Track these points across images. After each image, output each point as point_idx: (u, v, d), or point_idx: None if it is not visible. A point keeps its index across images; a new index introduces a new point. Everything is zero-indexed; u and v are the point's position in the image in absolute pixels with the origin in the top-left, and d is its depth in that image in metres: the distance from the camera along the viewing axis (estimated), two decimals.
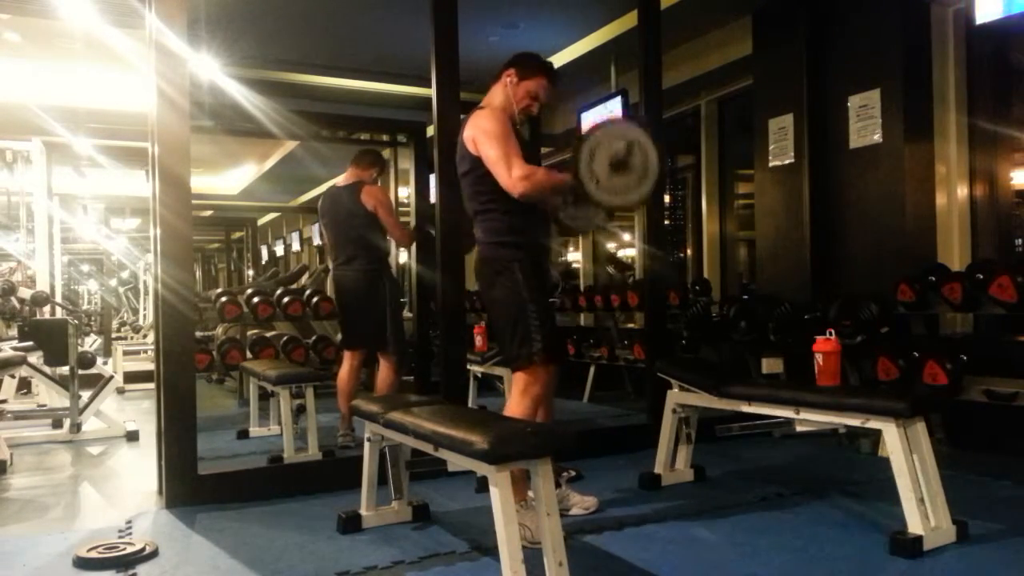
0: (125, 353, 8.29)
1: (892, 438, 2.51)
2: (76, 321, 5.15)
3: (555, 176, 2.70)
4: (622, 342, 5.80)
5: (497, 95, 2.89)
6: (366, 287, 4.21)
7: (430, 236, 4.39)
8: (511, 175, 2.62)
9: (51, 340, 4.74)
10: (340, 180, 4.44)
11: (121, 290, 14.68)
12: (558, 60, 5.91)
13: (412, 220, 5.62)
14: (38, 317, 5.78)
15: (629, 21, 4.97)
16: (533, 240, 2.81)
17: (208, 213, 12.01)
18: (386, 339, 4.21)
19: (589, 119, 5.79)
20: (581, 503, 2.96)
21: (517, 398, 2.75)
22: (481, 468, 2.07)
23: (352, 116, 6.39)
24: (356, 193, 4.22)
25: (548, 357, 2.75)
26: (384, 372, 4.25)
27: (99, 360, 5.71)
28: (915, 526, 2.45)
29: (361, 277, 4.23)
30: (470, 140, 2.76)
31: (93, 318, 12.79)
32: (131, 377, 7.62)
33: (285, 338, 5.83)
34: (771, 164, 4.99)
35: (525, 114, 2.91)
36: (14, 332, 5.92)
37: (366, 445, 2.79)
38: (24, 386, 6.44)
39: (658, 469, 3.35)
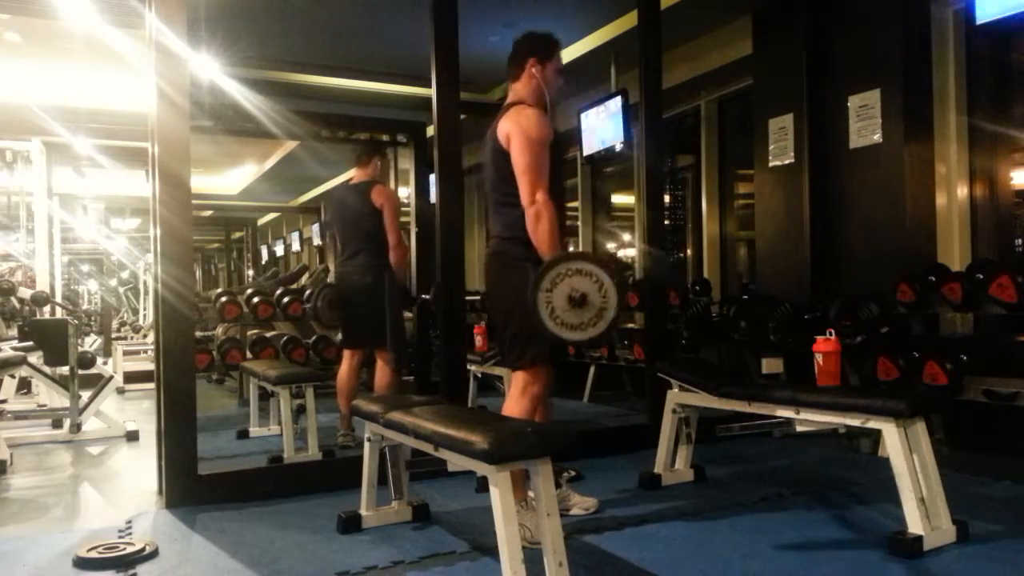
0: (125, 353, 8.28)
1: (892, 438, 2.51)
2: (76, 321, 5.15)
3: (555, 235, 2.62)
4: (622, 342, 5.80)
5: (526, 90, 2.84)
6: (368, 283, 4.20)
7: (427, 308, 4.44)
8: (535, 194, 2.61)
9: (51, 340, 4.74)
10: (351, 179, 4.44)
11: (121, 290, 14.66)
12: None
13: (412, 220, 5.63)
14: (38, 317, 5.79)
15: (629, 21, 4.97)
16: None
17: (208, 213, 12.01)
18: (384, 337, 4.20)
19: (589, 119, 5.79)
20: (581, 503, 2.96)
21: (516, 398, 2.74)
22: (481, 468, 2.07)
23: (352, 116, 6.39)
24: (367, 191, 4.23)
25: (550, 359, 2.74)
26: (382, 371, 4.24)
27: (99, 360, 5.71)
28: (915, 526, 2.45)
29: (364, 272, 4.21)
30: (504, 135, 2.71)
31: (93, 318, 12.79)
32: (131, 377, 7.62)
33: (285, 338, 5.84)
34: (771, 164, 4.99)
35: (560, 91, 2.90)
36: (14, 332, 5.93)
37: (366, 445, 2.79)
38: (24, 386, 6.44)
39: (658, 469, 3.35)
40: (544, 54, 2.85)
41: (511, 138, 2.68)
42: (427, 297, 4.45)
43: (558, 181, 2.84)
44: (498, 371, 4.84)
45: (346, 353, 4.38)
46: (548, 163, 2.68)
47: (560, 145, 2.90)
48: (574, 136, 5.89)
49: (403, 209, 6.45)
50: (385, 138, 5.94)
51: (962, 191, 4.34)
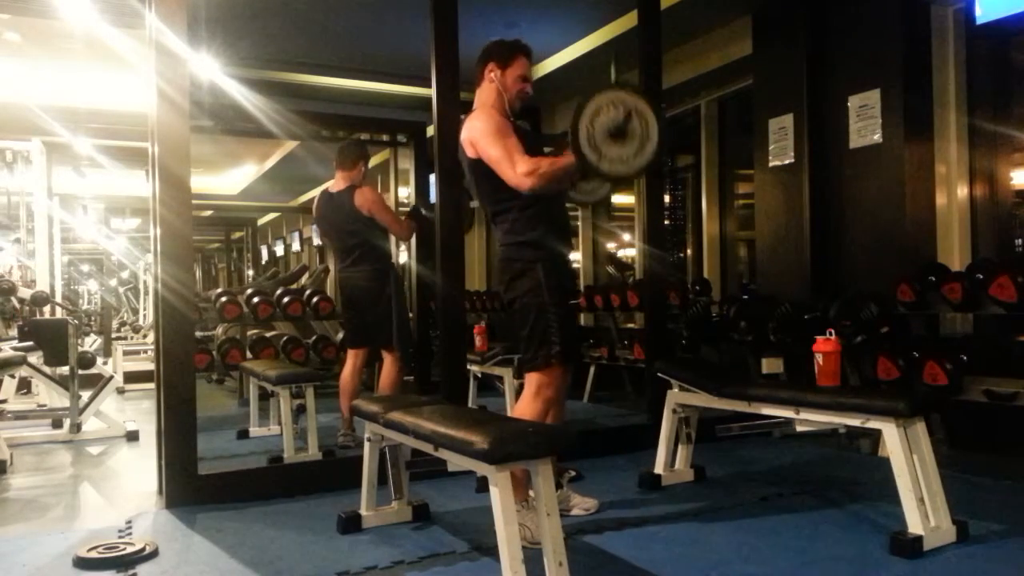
0: (125, 353, 8.28)
1: (892, 438, 2.51)
2: (76, 321, 5.15)
3: (559, 162, 2.57)
4: (622, 342, 5.80)
5: (486, 93, 2.85)
6: (374, 286, 4.23)
7: (425, 218, 4.43)
8: (516, 172, 2.57)
9: (51, 340, 4.73)
10: (332, 186, 4.43)
11: (121, 290, 14.66)
12: (558, 60, 5.92)
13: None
14: (38, 317, 5.78)
15: (629, 21, 4.97)
16: (553, 239, 2.77)
17: (208, 213, 12.01)
18: (391, 336, 4.22)
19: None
20: (582, 504, 2.96)
21: (529, 400, 2.72)
22: (481, 468, 2.07)
23: (352, 116, 6.40)
24: (351, 197, 4.23)
25: (564, 360, 2.72)
26: (388, 369, 4.25)
27: (99, 360, 5.71)
28: (915, 526, 2.45)
29: (369, 277, 4.23)
30: (467, 143, 2.73)
31: (93, 318, 12.79)
32: (131, 377, 7.62)
33: (285, 338, 5.84)
34: (771, 164, 4.99)
35: (522, 99, 2.86)
36: (14, 332, 5.93)
37: (366, 445, 2.79)
38: (24, 386, 6.44)
39: (658, 469, 3.35)
40: (503, 60, 2.83)
41: (475, 145, 2.69)
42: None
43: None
44: (498, 371, 4.84)
45: (349, 353, 4.39)
46: (515, 139, 2.64)
47: (532, 140, 2.87)
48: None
49: (403, 209, 6.49)
50: (385, 138, 5.95)
51: (962, 191, 4.34)
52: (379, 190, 5.32)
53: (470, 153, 2.73)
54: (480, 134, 2.67)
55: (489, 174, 2.69)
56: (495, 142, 2.63)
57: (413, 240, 5.51)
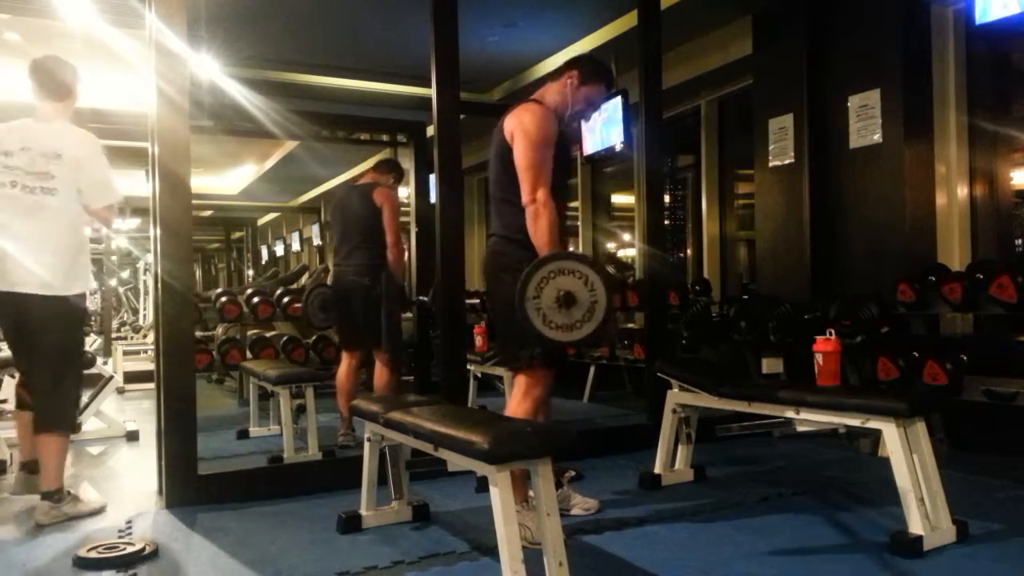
0: (125, 353, 8.28)
1: (892, 438, 2.51)
2: None
3: (552, 241, 2.59)
4: (622, 342, 5.80)
5: (552, 93, 2.85)
6: (364, 284, 4.20)
7: (426, 309, 4.41)
8: (535, 193, 2.59)
9: None
10: (355, 180, 4.46)
11: (121, 290, 14.66)
12: (558, 60, 5.88)
13: (412, 220, 5.64)
14: None
15: (629, 21, 4.97)
16: None
17: (208, 213, 12.03)
18: (380, 339, 4.20)
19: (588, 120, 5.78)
20: (582, 504, 2.96)
21: (519, 400, 2.73)
22: (481, 468, 2.07)
23: (352, 116, 6.40)
24: (369, 191, 4.26)
25: (546, 361, 2.72)
26: (380, 371, 4.24)
27: (99, 360, 5.70)
28: (915, 526, 2.45)
29: (360, 272, 4.22)
30: (509, 132, 2.71)
31: (93, 318, 12.76)
32: (131, 377, 7.61)
33: (285, 338, 5.85)
34: (771, 164, 4.99)
35: (576, 119, 2.88)
36: None
37: (366, 445, 2.79)
38: None
39: (658, 469, 3.35)
40: (587, 76, 2.84)
41: (515, 135, 2.68)
42: (425, 299, 4.46)
43: (563, 178, 2.84)
44: (498, 371, 4.83)
45: (344, 354, 4.38)
46: (551, 162, 2.66)
47: (567, 143, 2.89)
48: (574, 136, 5.89)
49: (403, 209, 6.50)
50: (385, 138, 5.96)
51: (962, 191, 4.34)
52: None
53: (508, 139, 2.71)
54: (527, 133, 2.65)
55: (511, 164, 2.69)
56: (535, 151, 2.63)
57: (413, 242, 5.53)
